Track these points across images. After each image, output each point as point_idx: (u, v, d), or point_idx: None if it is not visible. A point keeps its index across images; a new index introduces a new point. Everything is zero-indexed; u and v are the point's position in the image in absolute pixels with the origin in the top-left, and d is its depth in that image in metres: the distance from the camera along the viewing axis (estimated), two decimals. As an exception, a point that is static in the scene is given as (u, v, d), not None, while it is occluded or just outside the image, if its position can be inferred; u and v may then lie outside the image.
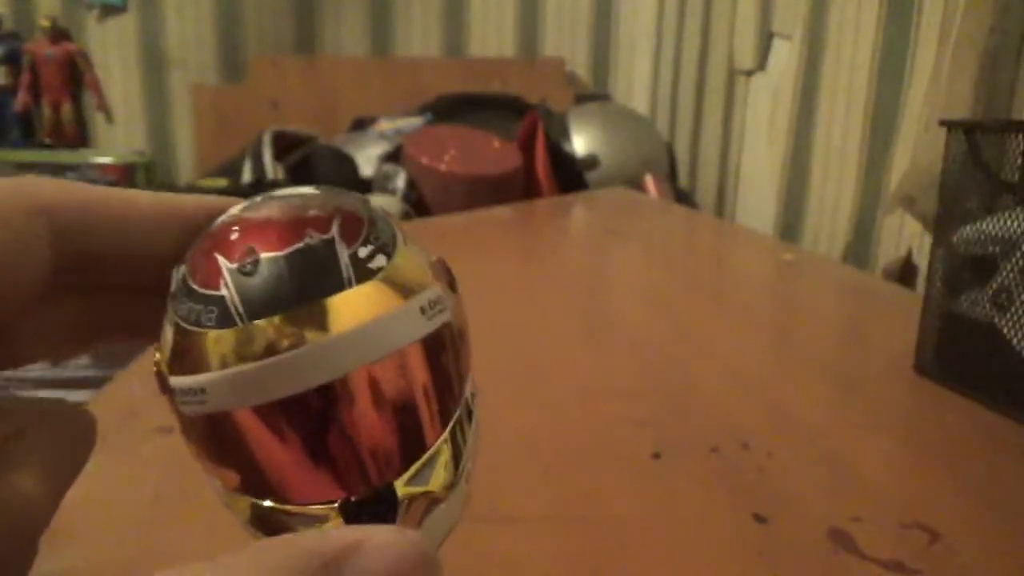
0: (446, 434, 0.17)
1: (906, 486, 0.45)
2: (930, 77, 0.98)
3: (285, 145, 1.97)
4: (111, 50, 2.63)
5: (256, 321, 0.15)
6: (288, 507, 0.16)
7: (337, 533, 0.13)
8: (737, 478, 0.44)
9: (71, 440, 0.17)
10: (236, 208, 0.17)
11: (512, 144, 1.91)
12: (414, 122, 2.15)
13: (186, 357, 0.16)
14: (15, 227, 0.16)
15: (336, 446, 0.15)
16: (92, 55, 2.63)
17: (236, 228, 0.16)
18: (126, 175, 2.57)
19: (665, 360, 0.64)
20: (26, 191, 0.17)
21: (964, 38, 0.87)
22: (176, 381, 0.16)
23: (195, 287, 0.16)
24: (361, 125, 2.28)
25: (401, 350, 0.16)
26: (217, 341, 0.15)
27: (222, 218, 0.17)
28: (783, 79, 1.48)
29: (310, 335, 0.15)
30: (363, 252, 0.16)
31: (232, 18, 2.61)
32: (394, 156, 1.91)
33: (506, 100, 2.28)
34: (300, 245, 0.16)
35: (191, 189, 1.99)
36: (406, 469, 0.16)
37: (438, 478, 0.17)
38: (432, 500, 0.17)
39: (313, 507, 0.16)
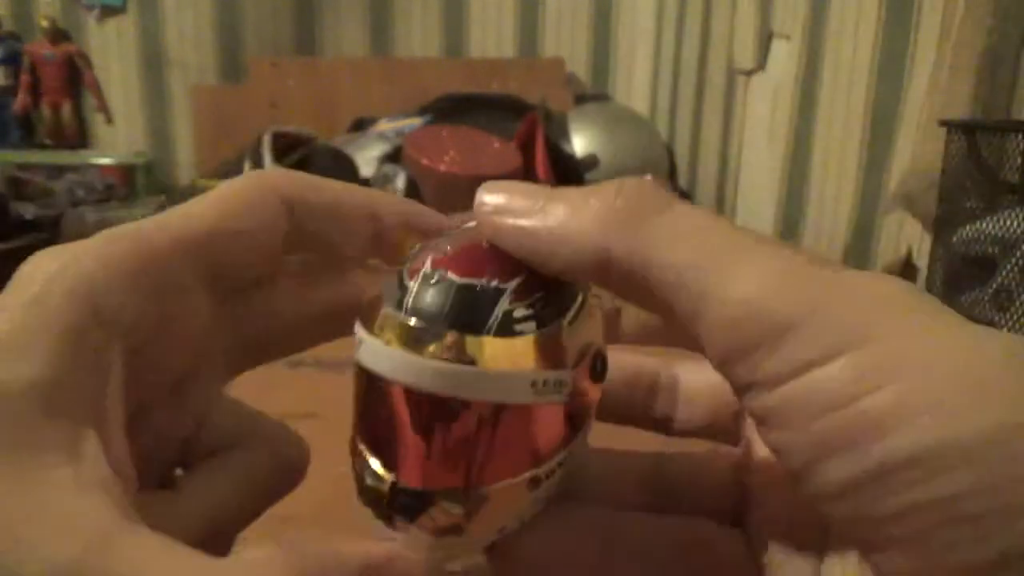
0: (499, 487, 0.18)
1: (906, 486, 0.45)
2: (930, 77, 0.98)
3: (285, 146, 1.96)
4: (111, 50, 2.63)
5: (411, 317, 0.18)
6: (370, 461, 0.19)
7: (357, 547, 0.15)
8: (737, 478, 0.44)
9: (278, 466, 0.20)
10: (471, 223, 0.20)
11: (512, 144, 1.91)
12: (414, 122, 2.15)
13: (367, 315, 0.19)
14: (271, 211, 0.20)
15: (385, 433, 0.19)
16: (92, 55, 2.62)
17: (450, 246, 0.19)
18: (126, 175, 2.57)
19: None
20: (271, 181, 0.20)
21: (964, 38, 0.87)
22: (357, 330, 0.19)
23: (403, 272, 0.19)
24: (361, 126, 2.27)
25: (494, 404, 0.18)
26: (386, 317, 0.18)
27: (463, 227, 0.20)
28: (783, 79, 1.49)
29: (433, 349, 0.17)
30: (519, 313, 0.18)
31: (232, 18, 2.60)
32: (394, 156, 1.90)
33: (506, 100, 2.27)
34: (474, 281, 0.18)
35: (191, 190, 1.99)
36: (453, 493, 0.18)
37: (474, 516, 0.18)
38: (454, 528, 0.18)
39: (380, 470, 0.19)
